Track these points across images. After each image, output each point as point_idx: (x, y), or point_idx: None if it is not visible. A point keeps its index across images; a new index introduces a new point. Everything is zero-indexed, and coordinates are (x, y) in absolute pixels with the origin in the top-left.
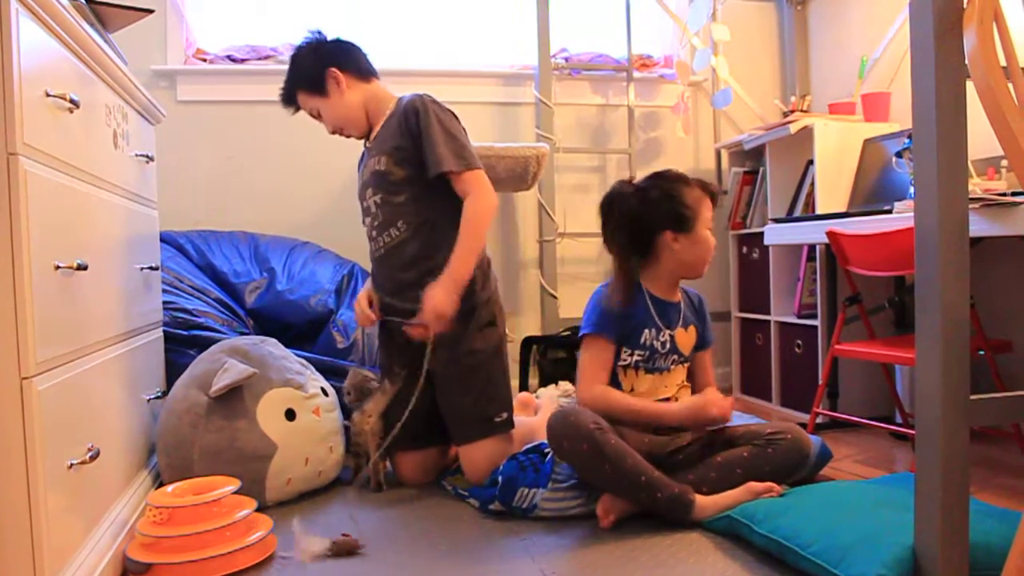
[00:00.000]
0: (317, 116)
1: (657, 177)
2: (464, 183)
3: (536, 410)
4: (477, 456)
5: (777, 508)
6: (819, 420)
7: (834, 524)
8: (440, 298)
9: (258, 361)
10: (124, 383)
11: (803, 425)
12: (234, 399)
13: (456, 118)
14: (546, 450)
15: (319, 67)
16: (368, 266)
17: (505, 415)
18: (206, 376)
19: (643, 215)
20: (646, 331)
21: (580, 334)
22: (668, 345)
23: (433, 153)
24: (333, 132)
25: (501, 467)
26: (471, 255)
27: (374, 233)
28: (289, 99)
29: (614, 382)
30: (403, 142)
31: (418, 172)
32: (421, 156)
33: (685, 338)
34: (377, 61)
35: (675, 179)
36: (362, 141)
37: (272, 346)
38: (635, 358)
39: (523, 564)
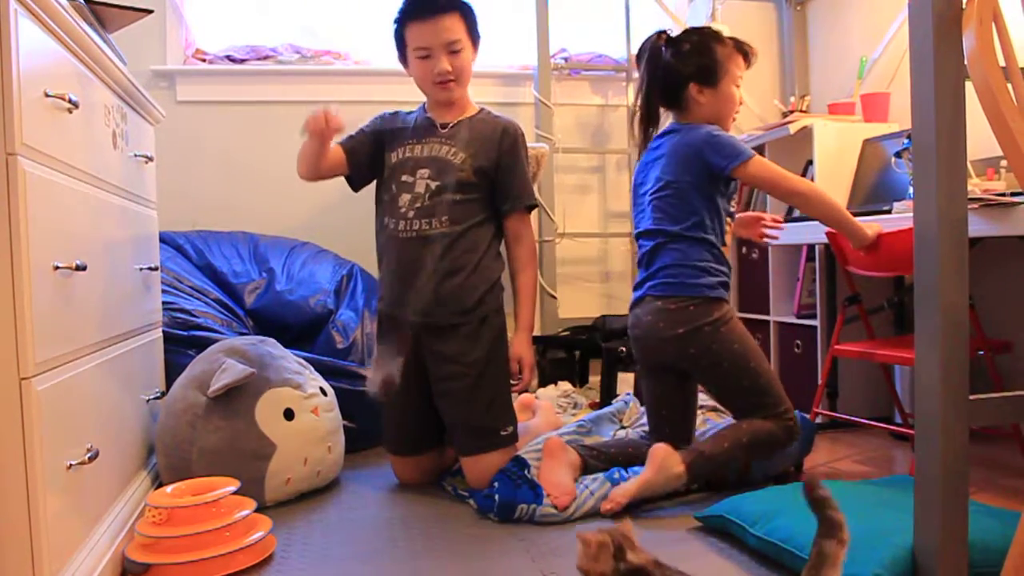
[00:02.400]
0: (446, 47)
1: (692, 31)
2: (524, 223)
3: (535, 412)
4: (481, 467)
5: (772, 508)
6: (818, 420)
7: None
8: (527, 352)
9: (257, 361)
10: (123, 383)
11: None
12: (233, 399)
13: None
14: (526, 472)
15: (479, 27)
16: (367, 266)
17: (511, 428)
18: (204, 376)
19: (673, 67)
20: None
21: (741, 160)
22: None
23: (526, 185)
24: (447, 75)
25: (496, 485)
26: (535, 301)
27: (411, 213)
28: (450, 6)
29: (720, 228)
30: (493, 156)
31: (482, 183)
32: (494, 173)
33: None
34: (377, 60)
35: (708, 34)
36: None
37: (271, 346)
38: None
39: (522, 564)
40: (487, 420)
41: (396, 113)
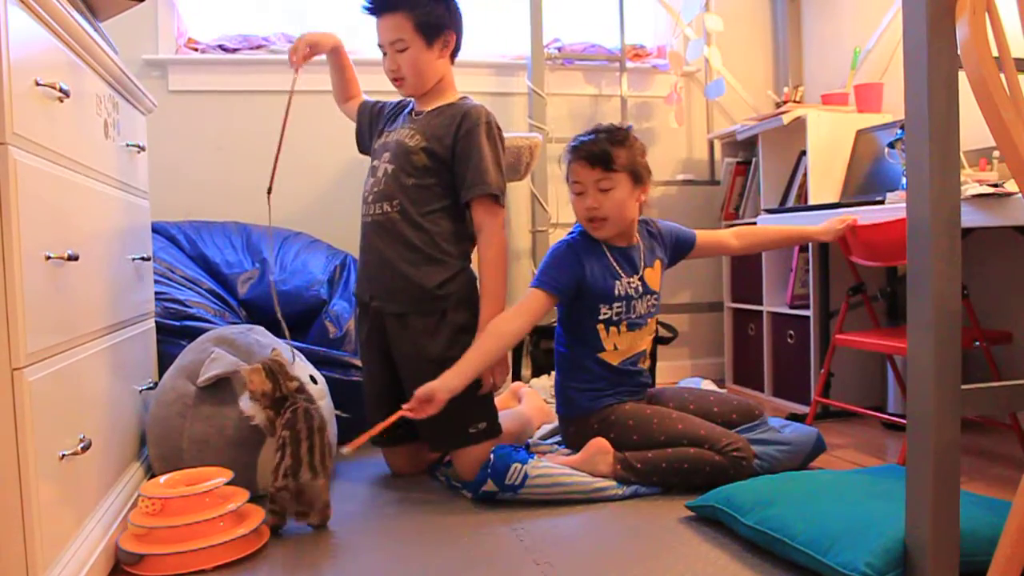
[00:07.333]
0: (390, 47)
1: None
2: (485, 214)
3: (520, 399)
4: (462, 460)
5: (764, 498)
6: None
7: (822, 514)
8: None
9: (245, 350)
10: (116, 374)
11: (800, 417)
12: (222, 388)
13: (503, 146)
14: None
15: (443, 20)
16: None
17: (483, 424)
18: (194, 366)
19: None
20: (616, 283)
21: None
22: (640, 288)
23: (484, 173)
24: (393, 73)
25: (491, 456)
26: (499, 299)
27: (370, 198)
28: (387, 7)
29: (594, 340)
30: (448, 142)
31: (437, 168)
32: (450, 159)
33: (653, 275)
34: (368, 50)
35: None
36: (394, 104)
37: (259, 334)
38: (614, 312)
39: (515, 554)
40: (454, 419)
41: (401, 102)
